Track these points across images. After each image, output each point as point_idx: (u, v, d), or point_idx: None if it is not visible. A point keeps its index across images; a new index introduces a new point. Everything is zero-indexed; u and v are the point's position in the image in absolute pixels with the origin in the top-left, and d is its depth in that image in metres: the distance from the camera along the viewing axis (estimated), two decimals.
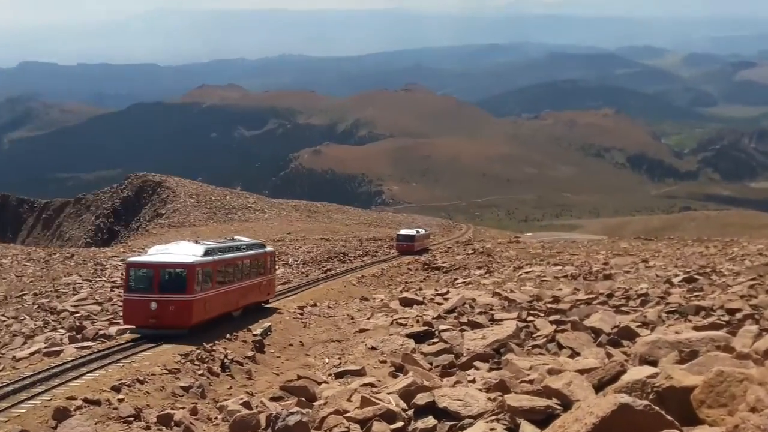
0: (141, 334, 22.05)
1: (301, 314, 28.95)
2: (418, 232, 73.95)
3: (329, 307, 31.56)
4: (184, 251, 23.31)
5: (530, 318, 19.78)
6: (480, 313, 22.03)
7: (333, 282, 43.32)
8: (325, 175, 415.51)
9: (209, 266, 23.44)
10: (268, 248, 31.47)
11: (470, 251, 65.11)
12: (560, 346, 15.95)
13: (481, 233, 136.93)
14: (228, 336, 22.50)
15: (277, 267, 38.39)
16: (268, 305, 30.58)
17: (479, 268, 50.72)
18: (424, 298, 29.65)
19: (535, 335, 17.64)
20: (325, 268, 56.37)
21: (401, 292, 36.99)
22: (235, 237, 31.80)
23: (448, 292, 31.19)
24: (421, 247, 73.10)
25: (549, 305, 22.38)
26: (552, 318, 19.42)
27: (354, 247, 74.94)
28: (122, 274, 34.26)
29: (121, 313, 24.95)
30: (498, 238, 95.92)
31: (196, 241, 25.57)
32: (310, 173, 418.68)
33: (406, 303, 28.46)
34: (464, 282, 39.55)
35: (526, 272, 41.39)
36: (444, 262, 57.69)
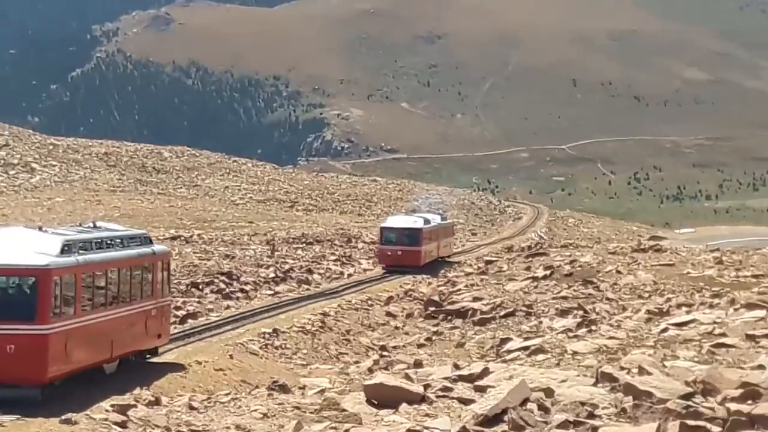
0: None
1: (122, 424, 28.95)
2: (427, 222, 75.16)
3: (192, 407, 31.62)
4: (26, 245, 27.11)
5: None
6: (564, 425, 22.31)
7: (202, 345, 43.66)
8: (185, 77, 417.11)
9: (72, 273, 27.41)
10: (158, 246, 36.95)
11: (542, 271, 65.59)
12: None
13: (567, 228, 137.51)
14: None
15: (172, 283, 43.88)
16: (155, 359, 35.63)
17: (564, 313, 50.81)
18: (427, 386, 29.81)
19: None
20: (182, 312, 56.35)
21: (370, 370, 37.04)
22: (98, 223, 36.12)
23: (486, 371, 31.33)
24: (435, 257, 73.74)
25: (734, 405, 22.72)
26: None
27: (255, 260, 74.94)
28: None
29: None
30: (609, 241, 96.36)
31: (40, 228, 29.63)
32: (147, 73, 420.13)
33: (385, 399, 28.67)
34: (525, 348, 39.78)
35: (678, 324, 41.71)
36: (478, 299, 57.56)
